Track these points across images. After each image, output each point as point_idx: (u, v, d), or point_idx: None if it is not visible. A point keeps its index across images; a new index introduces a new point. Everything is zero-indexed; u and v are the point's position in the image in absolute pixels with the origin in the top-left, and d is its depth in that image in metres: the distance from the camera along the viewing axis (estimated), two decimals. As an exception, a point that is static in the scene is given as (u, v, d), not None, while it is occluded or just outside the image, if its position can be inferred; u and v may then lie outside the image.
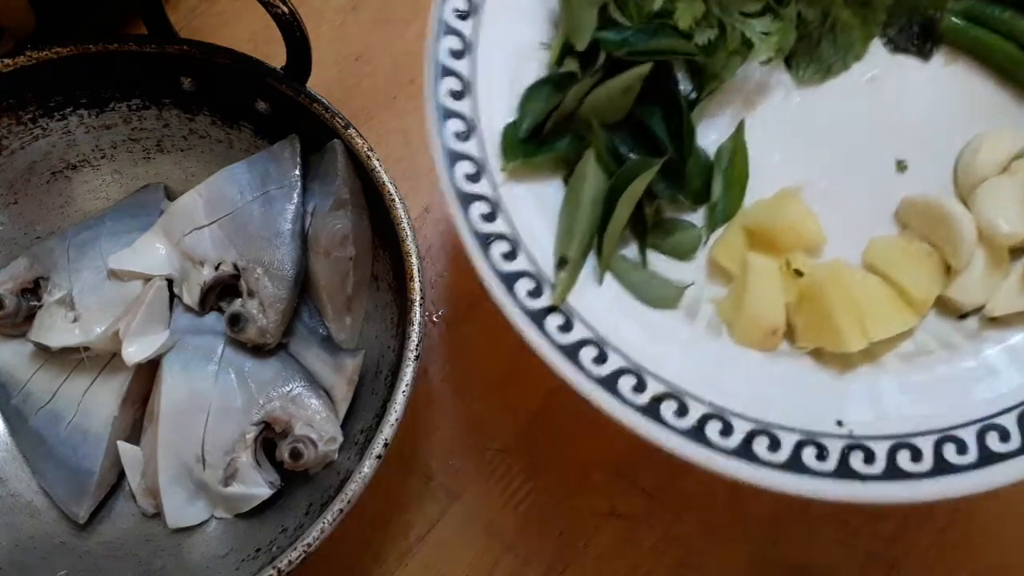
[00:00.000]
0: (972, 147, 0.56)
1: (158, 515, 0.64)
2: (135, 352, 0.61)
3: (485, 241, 0.50)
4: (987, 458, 0.46)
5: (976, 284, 0.52)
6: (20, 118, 0.66)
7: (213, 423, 0.62)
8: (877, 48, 0.59)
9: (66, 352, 0.64)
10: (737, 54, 0.55)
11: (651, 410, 0.47)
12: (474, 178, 0.51)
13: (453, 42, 0.52)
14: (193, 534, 0.64)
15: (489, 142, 0.51)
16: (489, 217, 0.50)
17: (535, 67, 0.54)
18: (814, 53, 0.58)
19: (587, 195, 0.50)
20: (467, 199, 0.50)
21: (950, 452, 0.47)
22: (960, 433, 0.47)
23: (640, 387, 0.48)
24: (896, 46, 0.59)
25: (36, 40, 0.66)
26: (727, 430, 0.47)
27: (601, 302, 0.50)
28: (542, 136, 0.52)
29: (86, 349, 0.63)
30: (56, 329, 0.63)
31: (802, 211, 0.54)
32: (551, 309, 0.49)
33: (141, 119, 0.69)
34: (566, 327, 0.49)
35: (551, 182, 0.53)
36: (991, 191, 0.53)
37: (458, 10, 0.53)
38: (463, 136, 0.51)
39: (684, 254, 0.55)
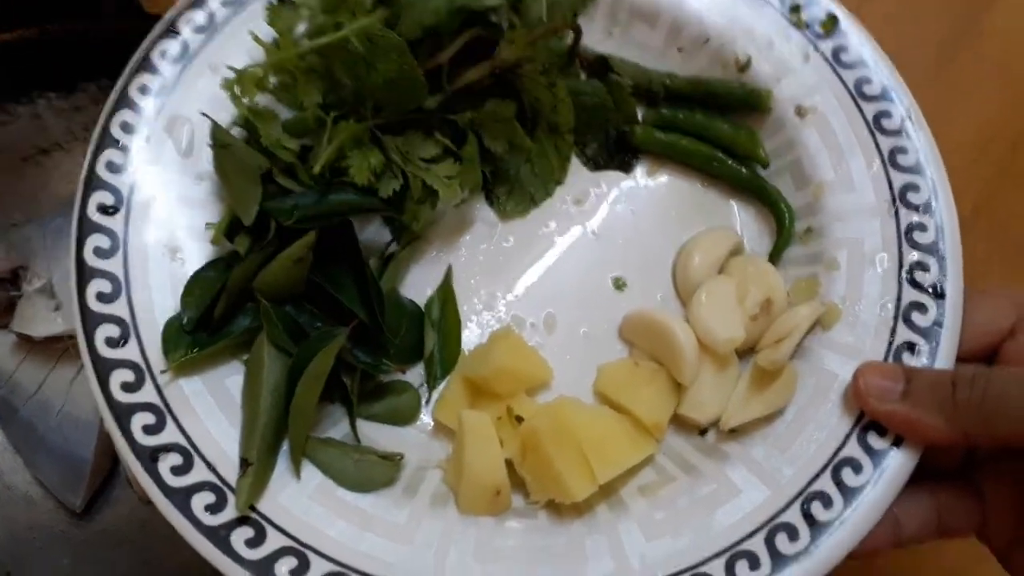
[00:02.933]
0: (686, 252, 0.54)
1: None
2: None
3: (151, 457, 0.43)
4: (739, 594, 0.42)
5: (708, 397, 0.49)
6: None
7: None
8: (578, 169, 0.58)
9: (50, 341, 0.62)
10: (425, 202, 0.52)
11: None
12: (134, 386, 0.45)
13: (100, 240, 0.47)
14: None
15: (150, 342, 0.46)
16: (154, 428, 0.44)
17: (204, 250, 0.49)
18: (514, 185, 0.56)
19: (266, 383, 0.45)
20: (126, 411, 0.44)
21: (700, 595, 0.42)
22: (708, 568, 0.43)
23: (352, 592, 0.42)
24: (596, 164, 0.58)
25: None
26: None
27: (300, 500, 0.44)
28: (213, 323, 0.47)
29: (70, 337, 0.61)
30: (39, 319, 0.62)
31: (518, 350, 0.50)
32: (240, 521, 0.43)
33: None
34: (257, 539, 0.42)
35: (233, 371, 0.47)
36: (708, 296, 0.51)
37: (104, 206, 0.48)
38: (118, 342, 0.45)
39: (405, 418, 0.50)
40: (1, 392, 0.64)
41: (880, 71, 0.55)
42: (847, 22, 0.56)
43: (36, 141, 0.69)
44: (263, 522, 0.43)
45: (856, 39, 0.56)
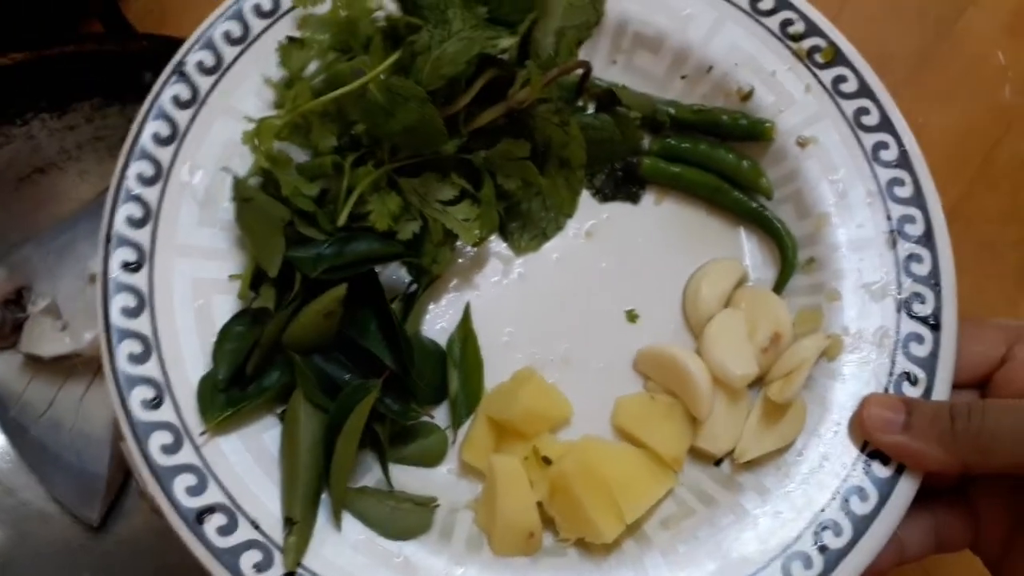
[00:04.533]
0: (693, 286, 0.56)
1: None
2: None
3: (197, 519, 0.44)
4: (760, 623, 0.45)
5: (722, 430, 0.52)
6: None
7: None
8: (588, 201, 0.59)
9: (58, 360, 0.62)
10: (444, 244, 0.53)
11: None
12: (172, 448, 0.45)
13: (127, 299, 0.47)
14: (209, 524, 0.60)
15: (185, 402, 0.46)
16: (197, 489, 0.45)
17: (228, 302, 0.50)
18: (527, 219, 0.57)
19: (304, 440, 0.46)
20: (168, 475, 0.45)
21: (723, 625, 0.45)
22: (732, 600, 0.46)
23: (398, 641, 0.44)
24: (604, 195, 0.59)
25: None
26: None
27: (344, 551, 0.46)
28: (246, 378, 0.48)
29: (78, 356, 0.62)
30: (46, 339, 0.62)
31: (541, 391, 0.52)
32: (287, 577, 0.44)
33: (104, 117, 0.69)
34: (306, 595, 0.44)
35: (268, 426, 0.48)
36: (719, 330, 0.54)
37: (127, 263, 0.48)
38: (153, 403, 0.46)
39: (434, 460, 0.52)
40: (12, 412, 0.64)
41: (878, 101, 0.57)
42: (847, 51, 0.58)
43: (32, 161, 0.69)
44: (310, 577, 0.44)
45: (855, 69, 0.57)
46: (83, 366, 0.64)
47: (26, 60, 0.63)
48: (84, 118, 0.69)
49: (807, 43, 0.58)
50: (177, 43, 0.56)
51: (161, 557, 0.63)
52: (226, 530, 0.44)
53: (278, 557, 0.44)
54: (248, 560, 0.44)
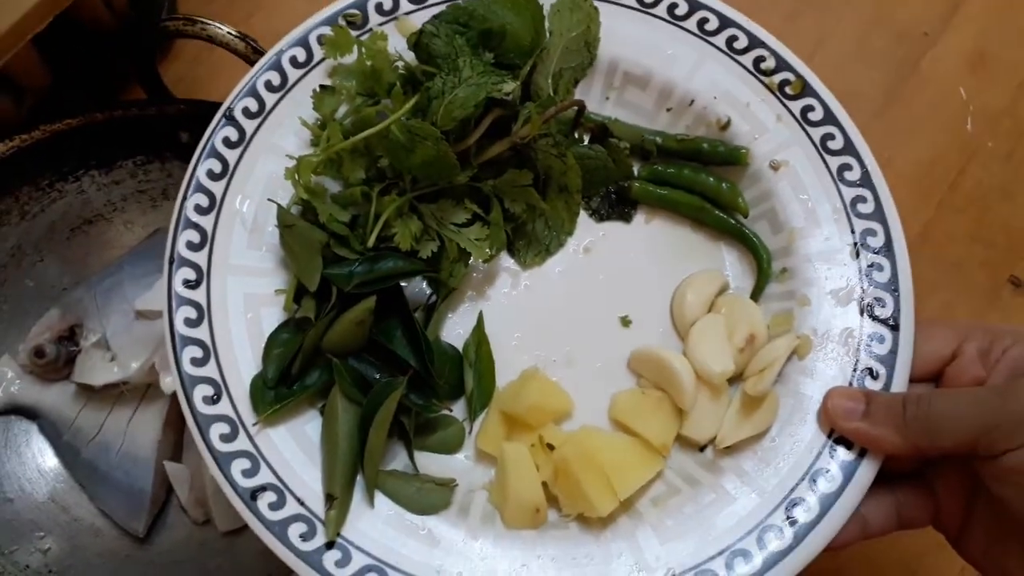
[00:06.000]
0: (680, 293, 0.64)
1: (208, 522, 0.71)
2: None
3: (251, 496, 0.52)
4: (737, 585, 0.52)
5: (705, 420, 0.59)
6: (38, 184, 0.75)
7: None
8: (585, 220, 0.66)
9: (107, 388, 0.70)
10: (459, 261, 0.61)
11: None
12: (230, 437, 0.53)
13: (188, 311, 0.55)
14: (242, 534, 0.68)
15: (239, 397, 0.54)
16: (251, 472, 0.53)
17: (274, 313, 0.58)
18: (531, 238, 0.65)
19: (342, 430, 0.54)
20: (226, 459, 0.53)
21: (705, 586, 0.52)
22: (711, 565, 0.53)
23: (423, 599, 0.51)
24: (600, 215, 0.67)
25: (53, 97, 0.74)
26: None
27: (376, 525, 0.53)
28: (291, 378, 0.56)
29: (125, 384, 0.70)
30: (97, 369, 0.70)
31: (545, 388, 0.59)
32: (328, 546, 0.52)
33: (147, 172, 0.78)
34: (344, 560, 0.52)
35: (310, 418, 0.56)
36: (701, 333, 0.61)
37: (187, 280, 0.56)
38: (213, 399, 0.54)
39: (453, 448, 0.59)
40: (65, 437, 0.72)
41: (842, 127, 0.64)
42: (814, 83, 0.65)
43: (82, 213, 0.77)
44: (348, 545, 0.52)
45: (822, 99, 0.65)
46: (130, 393, 0.71)
47: (77, 125, 0.73)
48: (128, 174, 0.78)
49: (778, 77, 0.65)
50: (210, 106, 0.65)
51: (200, 566, 0.70)
52: (276, 506, 0.52)
53: (320, 528, 0.52)
54: (295, 531, 0.52)
